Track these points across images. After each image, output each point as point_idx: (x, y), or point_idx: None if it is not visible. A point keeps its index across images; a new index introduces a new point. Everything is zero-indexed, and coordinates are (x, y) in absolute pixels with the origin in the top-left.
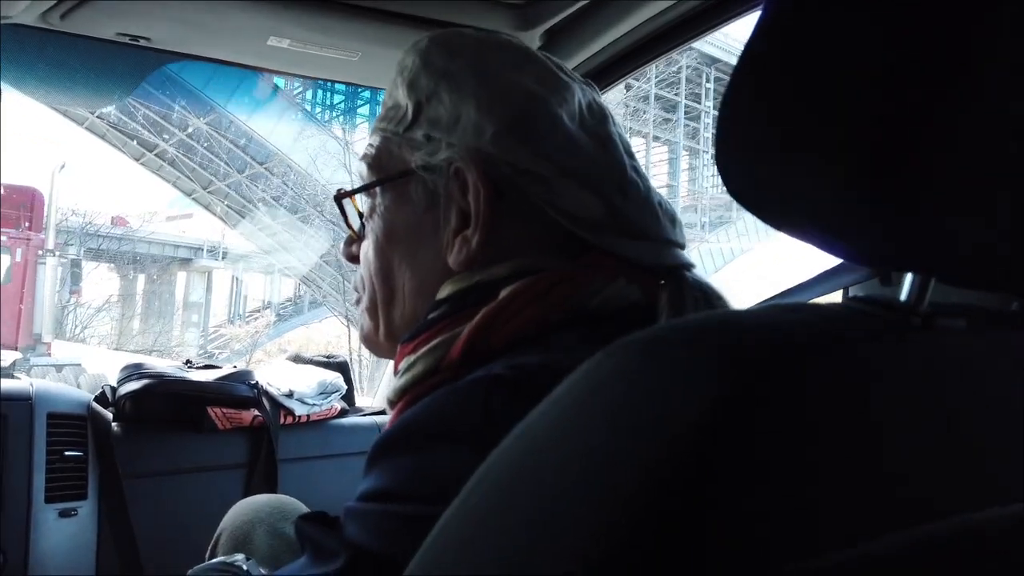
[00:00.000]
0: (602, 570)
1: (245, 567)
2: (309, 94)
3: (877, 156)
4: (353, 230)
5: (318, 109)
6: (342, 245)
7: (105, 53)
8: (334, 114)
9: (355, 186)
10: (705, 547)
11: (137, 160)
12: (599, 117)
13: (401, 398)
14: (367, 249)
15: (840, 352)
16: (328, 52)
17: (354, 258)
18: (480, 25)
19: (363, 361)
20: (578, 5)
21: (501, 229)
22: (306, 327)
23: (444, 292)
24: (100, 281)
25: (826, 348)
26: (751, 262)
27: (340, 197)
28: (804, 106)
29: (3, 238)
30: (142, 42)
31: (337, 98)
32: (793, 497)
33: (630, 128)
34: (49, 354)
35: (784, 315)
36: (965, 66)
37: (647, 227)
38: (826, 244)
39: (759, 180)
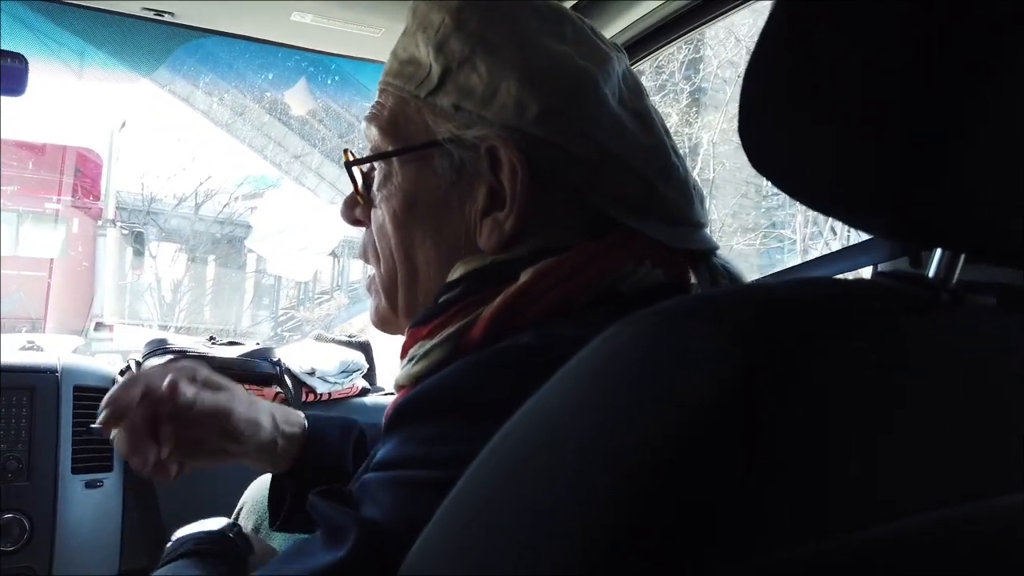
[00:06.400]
0: (612, 545)
1: (231, 535)
2: None
3: (907, 129)
4: (360, 193)
5: None
6: (341, 205)
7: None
8: None
9: (367, 149)
10: (714, 523)
11: (224, 127)
12: (636, 91)
13: (415, 384)
14: (382, 220)
15: (867, 327)
16: (351, 28)
17: (355, 221)
18: None
19: None
20: None
21: (532, 209)
22: None
23: (457, 273)
24: (169, 261)
25: (852, 323)
26: None
27: (353, 164)
28: (831, 78)
29: (59, 207)
30: (167, 17)
31: None
32: (811, 477)
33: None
34: (111, 339)
35: (810, 289)
36: (1000, 39)
37: (682, 211)
38: (853, 217)
39: (784, 152)
